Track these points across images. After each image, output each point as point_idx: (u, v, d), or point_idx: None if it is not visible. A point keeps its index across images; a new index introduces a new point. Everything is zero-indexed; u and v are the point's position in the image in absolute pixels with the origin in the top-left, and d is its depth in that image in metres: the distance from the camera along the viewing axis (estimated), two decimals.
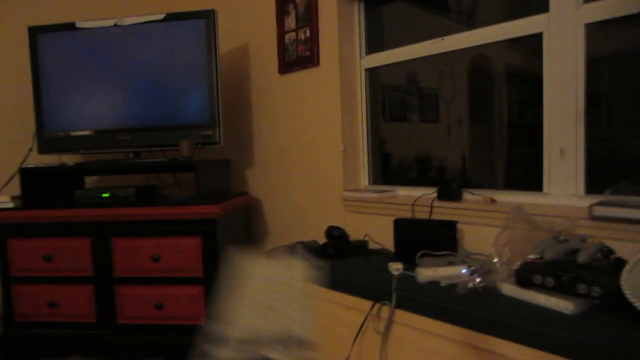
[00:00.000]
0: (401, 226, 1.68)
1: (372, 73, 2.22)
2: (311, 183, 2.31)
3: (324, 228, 2.22)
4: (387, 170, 2.25)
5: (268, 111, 2.50)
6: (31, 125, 2.47)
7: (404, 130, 2.22)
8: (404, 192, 2.08)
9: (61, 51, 2.29)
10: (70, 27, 2.28)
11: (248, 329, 0.31)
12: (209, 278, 1.99)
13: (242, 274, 0.37)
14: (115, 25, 2.25)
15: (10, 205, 2.14)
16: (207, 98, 2.19)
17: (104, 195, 2.09)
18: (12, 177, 2.41)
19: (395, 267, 1.52)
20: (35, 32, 2.30)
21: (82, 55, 2.28)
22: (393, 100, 2.25)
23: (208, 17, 2.18)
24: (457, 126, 1.99)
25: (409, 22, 2.08)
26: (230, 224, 2.18)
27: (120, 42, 2.26)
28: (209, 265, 1.99)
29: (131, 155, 2.32)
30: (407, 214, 1.87)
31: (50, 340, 2.13)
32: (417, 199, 1.87)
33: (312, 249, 1.77)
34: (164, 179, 2.69)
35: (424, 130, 2.11)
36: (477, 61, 1.89)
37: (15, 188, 2.40)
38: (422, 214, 1.83)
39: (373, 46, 2.21)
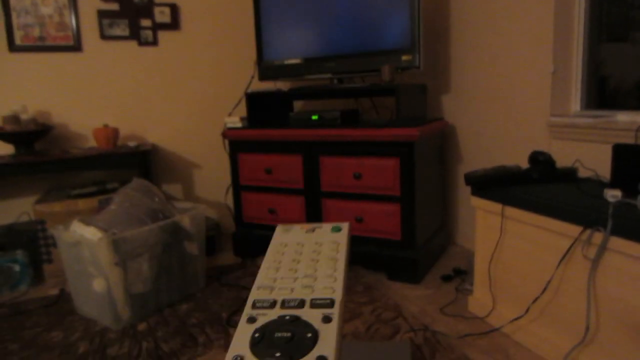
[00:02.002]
0: (622, 152, 1.52)
1: None
2: (512, 108, 2.20)
3: (526, 155, 2.13)
4: (602, 95, 2.01)
5: (468, 33, 2.41)
6: (253, 56, 2.85)
7: (624, 50, 1.93)
8: (624, 117, 1.85)
9: None
10: None
11: (279, 292, 0.34)
12: (405, 197, 2.12)
13: (278, 242, 0.41)
14: None
15: (239, 125, 2.54)
16: (407, 22, 2.21)
17: (314, 117, 2.33)
18: (239, 101, 2.85)
19: (612, 194, 1.41)
20: None
21: None
22: (612, 15, 1.95)
23: None
24: None
25: None
26: (426, 148, 2.24)
27: None
28: (406, 185, 2.10)
29: (335, 80, 2.51)
30: (629, 141, 1.67)
31: (268, 240, 2.54)
32: None
33: (514, 174, 1.73)
34: (362, 103, 2.85)
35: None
36: None
37: (241, 110, 2.84)
38: None
39: None
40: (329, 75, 2.49)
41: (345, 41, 2.40)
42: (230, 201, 2.96)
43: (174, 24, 2.80)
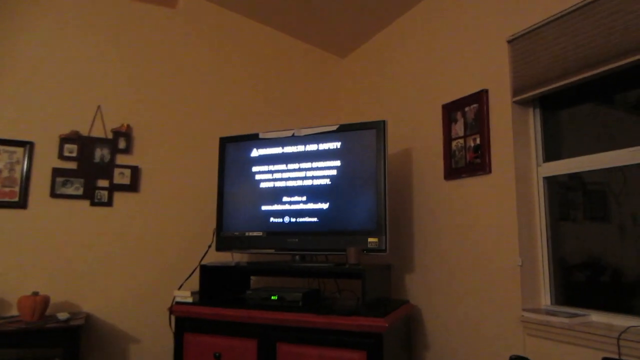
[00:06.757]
0: None
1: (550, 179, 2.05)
2: (481, 297, 2.11)
3: (498, 348, 1.99)
4: (570, 285, 1.98)
5: (431, 216, 2.42)
6: (212, 225, 2.73)
7: (569, 230, 1.98)
8: (598, 317, 1.79)
9: (243, 158, 2.55)
10: (254, 137, 2.54)
11: None
12: None
13: None
14: (293, 135, 2.44)
15: (190, 300, 2.30)
16: (374, 204, 2.21)
17: (273, 297, 2.15)
18: (192, 272, 2.64)
19: None
20: (224, 142, 2.61)
21: (261, 162, 2.50)
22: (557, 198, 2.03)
23: (378, 127, 2.26)
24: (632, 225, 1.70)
25: (598, 126, 1.91)
26: (394, 337, 2.06)
27: (296, 150, 2.44)
28: None
29: (297, 257, 2.39)
30: (609, 348, 1.58)
31: None
32: (623, 332, 1.58)
33: None
34: (324, 282, 2.71)
35: (591, 230, 1.86)
36: None
37: (194, 283, 2.61)
38: (629, 350, 1.53)
39: (551, 153, 2.06)
40: (292, 252, 2.38)
41: (311, 218, 2.35)
42: None
43: (133, 186, 2.70)
